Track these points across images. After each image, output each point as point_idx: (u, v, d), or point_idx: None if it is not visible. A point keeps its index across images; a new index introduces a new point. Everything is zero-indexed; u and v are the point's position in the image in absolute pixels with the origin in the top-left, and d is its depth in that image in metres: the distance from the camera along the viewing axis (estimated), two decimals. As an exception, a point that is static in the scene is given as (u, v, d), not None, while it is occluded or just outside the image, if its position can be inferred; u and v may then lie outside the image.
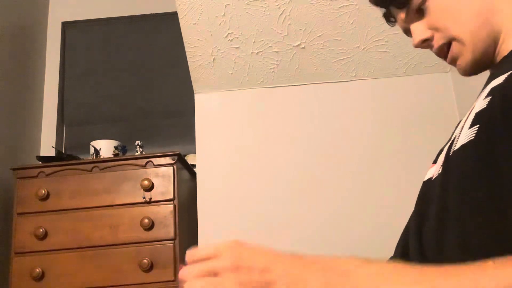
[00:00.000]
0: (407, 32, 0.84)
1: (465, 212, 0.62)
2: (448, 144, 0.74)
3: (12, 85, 2.38)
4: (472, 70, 0.79)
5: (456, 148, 0.67)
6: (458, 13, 0.76)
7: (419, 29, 0.80)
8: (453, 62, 0.80)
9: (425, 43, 0.81)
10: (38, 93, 2.65)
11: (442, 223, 0.65)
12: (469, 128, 0.66)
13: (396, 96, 1.92)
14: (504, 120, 0.61)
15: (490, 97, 0.65)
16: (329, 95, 1.94)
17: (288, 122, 1.93)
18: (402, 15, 0.82)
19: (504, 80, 0.65)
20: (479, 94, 0.72)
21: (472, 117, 0.66)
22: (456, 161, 0.67)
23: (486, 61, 0.78)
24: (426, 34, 0.80)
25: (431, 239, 0.67)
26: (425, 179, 0.78)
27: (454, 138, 0.71)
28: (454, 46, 0.78)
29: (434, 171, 0.76)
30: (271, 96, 1.96)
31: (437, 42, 0.79)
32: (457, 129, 0.73)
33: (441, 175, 0.70)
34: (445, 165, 0.70)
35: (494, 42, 0.76)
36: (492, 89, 0.66)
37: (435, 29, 0.79)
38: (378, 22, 1.78)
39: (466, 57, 0.77)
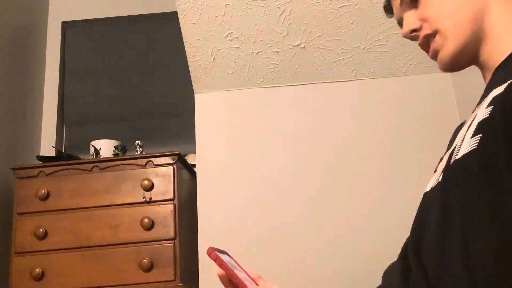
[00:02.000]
0: (401, 23, 0.86)
1: (469, 220, 0.62)
2: (449, 152, 0.73)
3: (12, 85, 2.38)
4: (451, 65, 0.80)
5: (458, 157, 0.67)
6: (448, 6, 0.77)
7: (410, 19, 0.82)
8: (435, 55, 0.81)
9: (413, 33, 0.82)
10: (38, 93, 2.65)
11: (445, 231, 0.65)
12: (471, 137, 0.66)
13: (396, 96, 1.92)
14: (506, 130, 0.61)
15: (492, 106, 0.65)
16: (329, 95, 1.94)
17: (288, 122, 1.93)
18: (397, 4, 0.84)
19: (504, 89, 0.65)
20: (481, 102, 0.72)
21: (475, 126, 0.66)
22: (459, 169, 0.66)
23: (466, 58, 0.78)
24: (416, 24, 0.81)
25: (432, 247, 0.67)
26: (426, 191, 0.78)
27: (455, 147, 0.71)
28: (437, 38, 0.79)
29: (433, 181, 0.76)
30: (271, 96, 1.96)
31: (423, 32, 0.81)
32: (458, 137, 0.73)
33: (441, 183, 0.70)
34: (445, 173, 0.70)
35: (477, 41, 0.76)
36: (494, 98, 0.66)
37: (424, 20, 0.80)
38: (378, 22, 1.78)
39: (446, 50, 0.78)
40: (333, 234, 1.80)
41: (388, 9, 0.89)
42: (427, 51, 0.83)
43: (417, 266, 0.69)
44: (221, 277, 0.82)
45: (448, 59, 0.79)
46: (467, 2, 0.76)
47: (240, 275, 0.82)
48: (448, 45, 0.77)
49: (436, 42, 0.79)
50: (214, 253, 0.80)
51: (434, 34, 0.79)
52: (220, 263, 0.80)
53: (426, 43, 0.82)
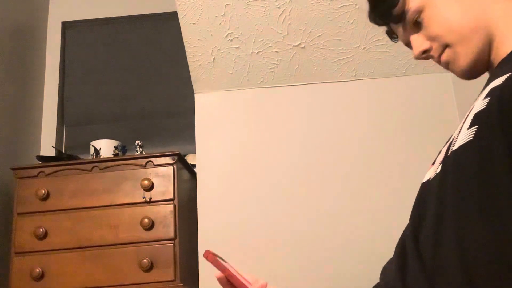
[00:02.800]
0: (408, 44, 0.86)
1: (464, 212, 0.62)
2: (447, 144, 0.74)
3: (12, 85, 2.38)
4: (468, 74, 0.81)
5: (454, 148, 0.68)
6: (450, 20, 0.78)
7: (418, 41, 0.82)
8: (446, 66, 0.82)
9: (425, 54, 0.83)
10: (38, 93, 2.65)
11: (440, 222, 0.66)
12: (468, 128, 0.66)
13: (396, 96, 1.92)
14: (502, 121, 0.61)
15: (489, 98, 0.65)
16: (329, 95, 1.94)
17: (288, 122, 1.94)
18: (400, 30, 0.84)
19: (503, 81, 0.65)
20: (479, 95, 0.72)
21: (471, 118, 0.67)
22: (455, 161, 0.67)
23: (481, 65, 0.79)
24: (425, 45, 0.82)
25: (428, 238, 0.68)
26: (424, 181, 0.79)
27: (453, 139, 0.72)
28: (446, 53, 0.80)
29: (432, 172, 0.76)
30: (271, 96, 1.96)
31: (436, 52, 0.81)
32: (456, 129, 0.74)
33: (439, 175, 0.71)
34: (443, 165, 0.71)
35: (488, 47, 0.77)
36: (492, 90, 0.66)
37: (432, 39, 0.81)
38: (378, 22, 1.78)
39: (460, 62, 0.79)
40: (333, 234, 1.80)
41: (391, 34, 0.89)
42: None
43: (414, 258, 0.70)
44: (219, 279, 0.82)
45: (463, 71, 0.80)
46: (467, 12, 0.77)
47: (238, 277, 0.82)
48: (461, 57, 0.78)
49: (445, 55, 0.80)
50: (211, 256, 0.81)
51: (444, 49, 0.80)
52: (217, 264, 0.80)
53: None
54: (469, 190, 0.62)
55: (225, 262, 0.86)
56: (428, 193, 0.74)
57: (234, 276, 0.81)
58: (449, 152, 0.70)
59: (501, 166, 0.60)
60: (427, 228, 0.69)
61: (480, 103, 0.67)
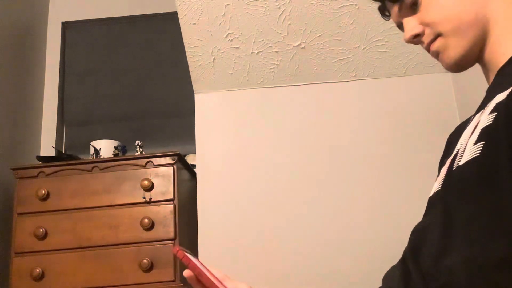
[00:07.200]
0: (400, 26, 0.85)
1: (471, 230, 0.61)
2: (451, 157, 0.73)
3: (12, 85, 2.38)
4: (456, 67, 0.80)
5: (460, 163, 0.67)
6: (448, 9, 0.77)
7: (411, 24, 0.81)
8: (436, 56, 0.81)
9: (416, 39, 0.82)
10: (38, 93, 2.65)
11: (445, 242, 0.65)
12: (474, 144, 0.65)
13: (396, 96, 1.92)
14: (509, 137, 0.60)
15: (496, 113, 0.64)
16: (329, 95, 1.94)
17: (288, 122, 1.93)
18: (395, 9, 0.83)
19: (507, 96, 0.65)
20: (484, 107, 0.71)
21: (478, 133, 0.66)
22: (460, 177, 0.66)
23: (470, 60, 0.79)
24: (418, 29, 0.80)
25: (432, 256, 0.66)
26: (430, 195, 0.78)
27: (458, 152, 0.70)
28: (437, 41, 0.79)
29: (437, 185, 0.75)
30: (271, 96, 1.96)
31: (427, 38, 0.80)
32: (461, 141, 0.72)
33: (443, 190, 0.70)
34: (447, 179, 0.70)
35: (481, 42, 0.76)
36: (497, 104, 0.66)
37: (426, 24, 0.79)
38: (378, 22, 1.78)
39: (451, 54, 0.78)
40: (333, 233, 1.80)
41: (383, 11, 0.88)
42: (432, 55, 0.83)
43: (417, 272, 0.69)
44: (189, 278, 0.79)
45: (453, 62, 0.79)
46: (468, 5, 0.76)
47: (209, 275, 0.81)
48: (452, 49, 0.77)
49: (437, 44, 0.79)
50: (181, 252, 0.78)
51: (436, 37, 0.79)
52: (188, 262, 0.78)
53: (430, 48, 0.82)
54: (477, 208, 0.61)
55: (196, 259, 0.85)
56: (431, 209, 0.73)
57: (204, 274, 0.78)
58: (454, 166, 0.69)
59: (509, 183, 0.58)
60: (431, 244, 0.68)
61: (486, 118, 0.66)
